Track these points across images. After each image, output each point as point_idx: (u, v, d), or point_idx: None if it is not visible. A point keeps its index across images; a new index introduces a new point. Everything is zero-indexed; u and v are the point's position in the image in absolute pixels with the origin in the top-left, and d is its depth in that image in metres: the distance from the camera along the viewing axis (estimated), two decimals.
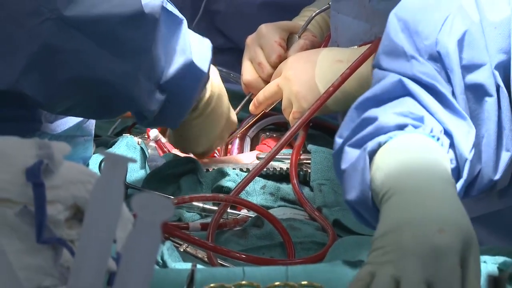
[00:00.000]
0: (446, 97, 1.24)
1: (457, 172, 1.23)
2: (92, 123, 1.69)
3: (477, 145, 1.25)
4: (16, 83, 1.41)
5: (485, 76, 1.25)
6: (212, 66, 1.66)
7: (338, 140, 1.26)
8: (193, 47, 1.57)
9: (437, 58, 1.25)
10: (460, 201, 1.10)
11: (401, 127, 1.21)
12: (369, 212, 1.21)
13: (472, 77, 1.25)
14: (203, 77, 1.58)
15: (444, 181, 1.13)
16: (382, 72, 1.30)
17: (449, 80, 1.25)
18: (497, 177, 1.28)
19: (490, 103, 1.26)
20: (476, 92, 1.26)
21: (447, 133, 1.22)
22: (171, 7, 1.52)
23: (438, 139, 1.20)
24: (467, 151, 1.22)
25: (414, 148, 1.18)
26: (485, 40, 1.26)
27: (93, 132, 1.71)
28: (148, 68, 1.48)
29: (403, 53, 1.27)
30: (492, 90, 1.25)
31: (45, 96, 1.45)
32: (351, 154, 1.22)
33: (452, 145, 1.22)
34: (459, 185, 1.22)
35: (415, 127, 1.21)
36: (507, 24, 1.26)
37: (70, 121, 1.63)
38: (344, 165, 1.23)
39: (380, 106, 1.25)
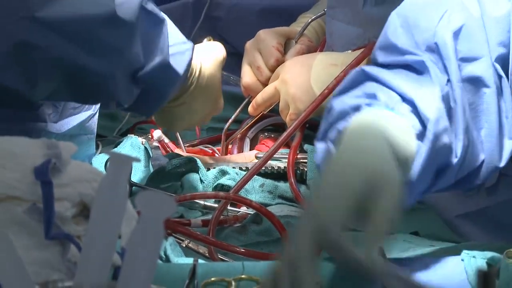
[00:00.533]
0: (422, 68, 1.23)
1: (423, 134, 1.21)
2: (94, 122, 1.70)
3: (477, 136, 1.24)
4: None
5: (483, 69, 1.24)
6: (210, 50, 1.66)
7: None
8: (173, 48, 1.55)
9: (434, 49, 1.24)
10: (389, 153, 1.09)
11: (356, 108, 1.19)
12: None
13: (470, 69, 1.24)
14: (178, 78, 1.56)
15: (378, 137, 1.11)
16: None
17: (446, 71, 1.24)
18: (502, 164, 1.27)
19: (488, 94, 1.25)
20: (474, 84, 1.25)
21: (407, 100, 1.20)
22: (151, 7, 1.50)
23: (392, 108, 1.18)
24: (430, 111, 1.19)
25: (363, 123, 1.16)
26: (485, 33, 1.25)
27: (96, 130, 1.71)
28: (124, 65, 1.47)
29: (397, 47, 1.26)
30: (490, 82, 1.24)
31: (25, 86, 1.44)
32: (320, 149, 1.22)
33: (415, 110, 1.20)
34: (426, 144, 1.19)
35: (369, 105, 1.19)
36: (507, 18, 1.26)
37: (73, 121, 1.63)
38: (318, 161, 1.22)
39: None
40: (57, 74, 1.44)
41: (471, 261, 1.20)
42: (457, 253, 1.26)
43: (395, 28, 1.27)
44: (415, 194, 1.19)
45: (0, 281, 0.82)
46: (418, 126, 1.17)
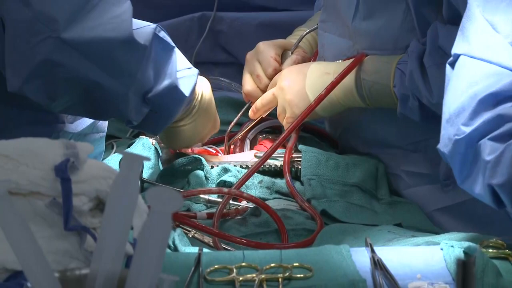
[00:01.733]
0: None
1: None
2: (105, 122, 1.69)
3: None
4: (20, 88, 1.41)
5: None
6: (206, 81, 1.67)
7: (465, 128, 1.20)
8: (180, 73, 1.56)
9: None
10: None
11: None
12: None
13: None
14: (184, 99, 1.57)
15: None
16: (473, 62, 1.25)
17: None
18: None
19: None
20: None
21: None
22: (163, 34, 1.51)
23: None
24: None
25: None
26: None
27: (106, 129, 1.71)
28: (137, 86, 1.48)
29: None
30: None
31: (45, 99, 1.44)
32: (493, 147, 1.17)
33: None
34: None
35: None
36: None
37: (87, 121, 1.63)
38: (488, 157, 1.17)
39: (507, 102, 1.20)
40: (75, 91, 1.44)
41: (450, 250, 1.19)
42: (437, 243, 1.26)
43: None
44: None
45: (23, 269, 0.81)
46: None
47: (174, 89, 1.53)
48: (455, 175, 1.24)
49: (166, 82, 1.52)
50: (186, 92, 1.56)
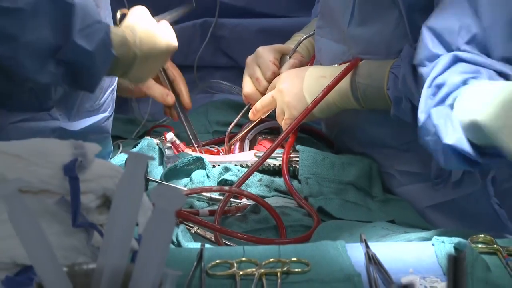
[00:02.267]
0: None
1: None
2: (109, 123, 1.66)
3: None
4: None
5: None
6: (139, 19, 1.52)
7: (422, 115, 1.32)
8: (88, 30, 1.41)
9: None
10: None
11: (464, 81, 1.26)
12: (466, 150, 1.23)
13: None
14: (92, 54, 1.41)
15: None
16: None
17: None
18: None
19: None
20: None
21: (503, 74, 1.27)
22: None
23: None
24: None
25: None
26: None
27: (110, 130, 1.67)
28: (28, 48, 1.38)
29: None
30: None
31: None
32: (438, 111, 1.28)
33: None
34: None
35: (475, 78, 1.26)
36: None
37: (89, 121, 1.59)
38: (436, 121, 1.28)
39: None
40: None
41: (441, 245, 1.19)
42: (428, 239, 1.25)
43: None
44: None
45: (32, 264, 0.80)
46: None
47: (78, 46, 1.40)
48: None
49: (72, 40, 1.39)
50: (90, 47, 1.40)
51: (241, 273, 1.12)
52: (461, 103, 1.25)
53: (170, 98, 1.83)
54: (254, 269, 1.13)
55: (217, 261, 1.14)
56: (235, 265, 1.14)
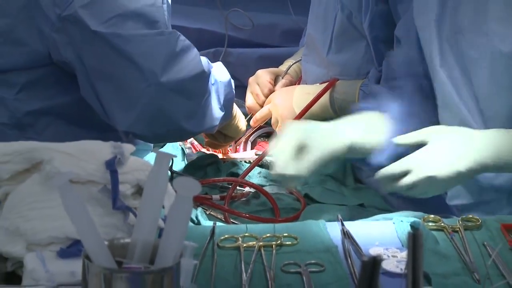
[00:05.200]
0: None
1: None
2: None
3: None
4: (130, 126, 1.37)
5: None
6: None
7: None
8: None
9: None
10: None
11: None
12: None
13: None
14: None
15: None
16: None
17: None
18: None
19: None
20: None
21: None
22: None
23: None
24: None
25: None
26: None
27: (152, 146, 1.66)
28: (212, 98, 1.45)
29: None
30: None
31: (151, 138, 1.43)
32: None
33: None
34: None
35: None
36: None
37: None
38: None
39: None
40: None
41: (400, 224, 1.17)
42: (390, 218, 1.23)
43: None
44: None
45: (80, 239, 0.79)
46: None
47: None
48: None
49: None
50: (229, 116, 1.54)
51: (244, 245, 1.11)
52: None
53: None
54: (254, 242, 1.11)
55: (226, 236, 1.13)
56: (240, 239, 1.12)
